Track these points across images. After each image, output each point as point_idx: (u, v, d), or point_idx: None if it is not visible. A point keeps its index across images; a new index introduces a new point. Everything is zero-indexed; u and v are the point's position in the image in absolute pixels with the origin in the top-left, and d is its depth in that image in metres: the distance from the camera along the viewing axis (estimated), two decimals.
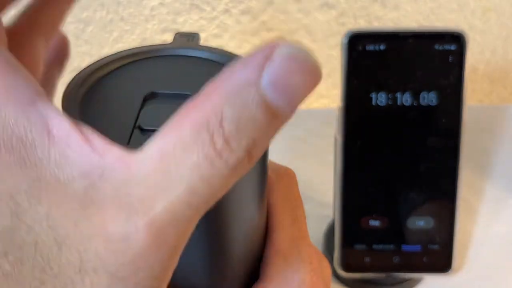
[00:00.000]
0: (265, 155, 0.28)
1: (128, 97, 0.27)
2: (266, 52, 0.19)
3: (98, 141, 0.20)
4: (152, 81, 0.28)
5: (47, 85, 0.32)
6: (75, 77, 0.27)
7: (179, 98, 0.27)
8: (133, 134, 0.25)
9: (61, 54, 0.31)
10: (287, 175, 0.31)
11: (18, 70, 0.21)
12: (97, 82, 0.28)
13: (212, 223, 0.26)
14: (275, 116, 0.19)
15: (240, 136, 0.19)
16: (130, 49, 0.29)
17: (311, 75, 0.20)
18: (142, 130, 0.25)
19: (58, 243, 0.19)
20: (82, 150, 0.20)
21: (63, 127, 0.20)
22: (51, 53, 0.31)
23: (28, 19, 0.30)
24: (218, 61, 0.29)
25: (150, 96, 0.27)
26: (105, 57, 0.29)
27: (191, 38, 0.30)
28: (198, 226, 0.26)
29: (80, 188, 0.19)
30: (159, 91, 0.27)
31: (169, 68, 0.29)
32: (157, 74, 0.29)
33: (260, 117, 0.19)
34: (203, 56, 0.29)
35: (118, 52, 0.29)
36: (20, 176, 0.20)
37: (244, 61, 0.19)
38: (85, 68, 0.28)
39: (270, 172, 0.30)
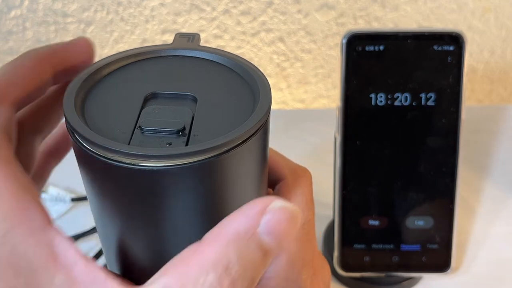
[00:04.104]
0: (265, 158, 0.28)
1: (128, 97, 0.27)
2: (262, 206, 0.23)
3: (103, 271, 0.22)
4: (152, 81, 0.28)
5: (43, 173, 0.32)
6: (76, 77, 0.27)
7: (179, 98, 0.27)
8: (134, 134, 0.25)
9: (62, 148, 0.32)
10: (304, 176, 0.31)
11: (31, 195, 0.22)
12: (98, 82, 0.28)
13: (212, 222, 0.26)
14: (268, 255, 0.23)
15: (244, 277, 0.22)
16: (130, 49, 0.29)
17: (292, 223, 0.23)
18: (142, 130, 0.25)
19: None
20: (87, 280, 0.21)
21: (69, 256, 0.22)
22: (53, 143, 0.32)
23: (27, 120, 0.30)
24: (217, 62, 0.29)
25: (151, 96, 0.27)
26: (105, 58, 0.29)
27: (191, 38, 0.30)
28: (197, 225, 0.26)
29: None
30: (160, 91, 0.27)
31: (169, 68, 0.29)
32: (158, 74, 0.29)
33: (258, 259, 0.22)
34: (202, 57, 0.29)
35: (118, 53, 0.29)
36: None
37: (242, 212, 0.22)
38: (86, 69, 0.28)
39: (287, 172, 0.30)
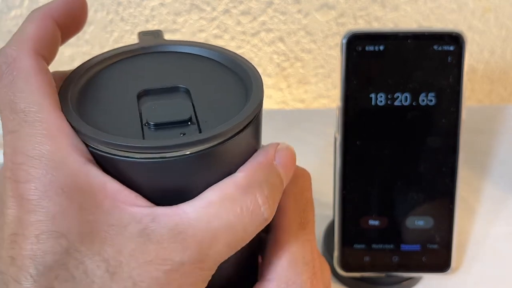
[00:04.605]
0: (260, 136, 0.28)
1: (121, 96, 0.27)
2: (274, 146, 0.28)
3: (142, 198, 0.25)
4: (140, 78, 0.28)
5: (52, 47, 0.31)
6: (64, 82, 0.27)
7: (170, 92, 0.28)
8: (144, 131, 0.25)
9: (73, 25, 0.30)
10: (302, 176, 0.31)
11: (76, 137, 0.25)
12: (86, 84, 0.28)
13: None
14: (282, 184, 0.28)
15: (272, 196, 0.26)
16: (108, 51, 0.30)
17: (294, 159, 0.29)
18: (150, 125, 0.25)
19: (110, 272, 0.23)
20: (132, 202, 0.24)
21: (115, 185, 0.25)
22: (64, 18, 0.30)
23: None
24: (202, 55, 0.30)
25: (143, 94, 0.27)
26: (89, 60, 0.29)
27: (156, 35, 0.31)
28: None
29: (135, 230, 0.24)
30: (150, 88, 0.28)
31: (155, 64, 0.29)
32: (145, 71, 0.29)
33: (278, 184, 0.27)
34: (185, 51, 0.30)
35: (99, 55, 0.29)
36: (75, 219, 0.23)
37: (262, 151, 0.28)
38: (71, 74, 0.28)
39: None
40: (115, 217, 0.24)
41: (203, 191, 0.25)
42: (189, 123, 0.26)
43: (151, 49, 0.30)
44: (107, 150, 0.25)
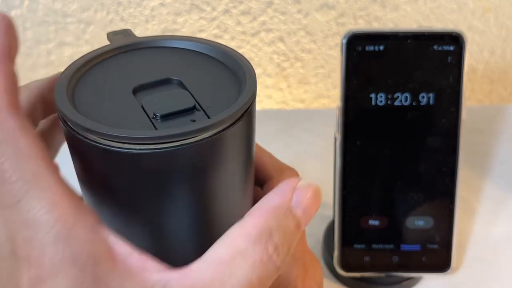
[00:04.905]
0: (251, 146, 0.28)
1: (116, 94, 0.27)
2: (292, 185, 0.27)
3: (153, 260, 0.24)
4: (132, 74, 0.29)
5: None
6: (57, 86, 0.27)
7: (164, 84, 0.28)
8: (154, 123, 0.26)
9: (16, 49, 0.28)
10: (292, 176, 0.31)
11: (77, 195, 0.24)
12: (78, 85, 0.28)
13: (201, 212, 0.27)
14: (299, 226, 0.27)
15: (283, 243, 0.25)
16: (95, 50, 0.30)
17: (318, 198, 0.27)
18: (157, 117, 0.26)
19: None
20: (142, 267, 0.24)
21: (123, 250, 0.24)
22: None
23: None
24: (187, 48, 0.30)
25: (138, 89, 0.28)
26: (77, 60, 0.29)
27: (125, 34, 0.31)
28: (187, 215, 0.27)
29: None
30: (143, 83, 0.28)
31: (143, 60, 0.30)
32: (134, 66, 0.29)
33: (293, 228, 0.26)
34: (175, 46, 0.31)
35: (87, 54, 0.29)
36: None
37: (277, 191, 0.27)
38: (62, 76, 0.28)
39: (274, 172, 0.30)
40: (127, 284, 0.23)
41: (219, 177, 0.26)
42: (194, 110, 0.26)
43: (139, 45, 0.30)
44: (132, 147, 0.24)
